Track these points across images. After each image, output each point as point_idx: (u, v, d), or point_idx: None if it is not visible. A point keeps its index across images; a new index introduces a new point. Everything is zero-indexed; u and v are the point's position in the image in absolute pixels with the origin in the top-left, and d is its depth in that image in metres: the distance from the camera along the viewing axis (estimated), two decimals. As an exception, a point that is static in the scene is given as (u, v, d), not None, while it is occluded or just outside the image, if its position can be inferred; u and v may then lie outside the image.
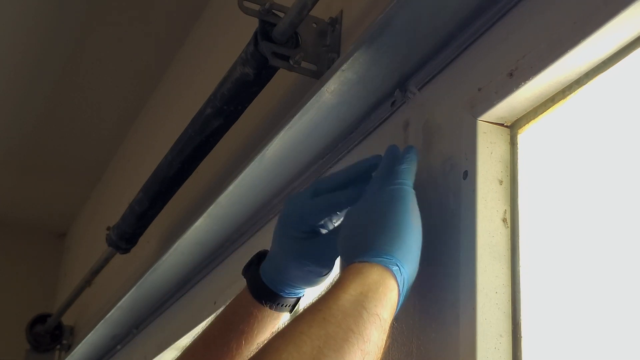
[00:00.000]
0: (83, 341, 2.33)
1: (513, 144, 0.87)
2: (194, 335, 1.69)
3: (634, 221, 0.74)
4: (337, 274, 0.81)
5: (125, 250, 2.03)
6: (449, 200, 0.88)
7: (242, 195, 1.38)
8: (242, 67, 1.29)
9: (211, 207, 1.43)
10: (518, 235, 0.83)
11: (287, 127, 1.14)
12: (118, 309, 1.99)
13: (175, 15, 2.26)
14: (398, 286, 0.77)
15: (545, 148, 0.85)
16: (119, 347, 2.30)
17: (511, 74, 0.82)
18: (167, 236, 1.99)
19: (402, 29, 0.94)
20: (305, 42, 1.25)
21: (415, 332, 0.87)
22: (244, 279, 0.98)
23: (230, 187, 1.34)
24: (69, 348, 3.00)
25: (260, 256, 0.98)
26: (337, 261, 0.93)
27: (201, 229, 1.52)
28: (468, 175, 0.86)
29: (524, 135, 0.87)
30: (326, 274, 0.94)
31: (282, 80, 1.36)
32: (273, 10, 1.24)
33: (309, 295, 0.97)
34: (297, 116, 1.12)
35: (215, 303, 1.55)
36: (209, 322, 0.98)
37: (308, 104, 1.09)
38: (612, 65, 0.75)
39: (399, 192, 0.83)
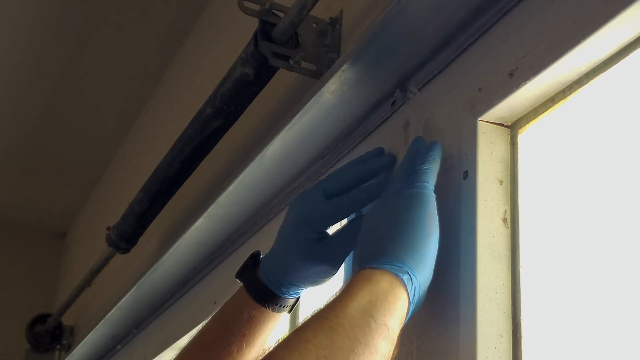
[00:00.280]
0: (83, 341, 2.33)
1: (513, 144, 0.87)
2: (189, 337, 1.70)
3: (634, 221, 0.74)
4: (347, 279, 0.81)
5: (125, 250, 2.03)
6: (449, 200, 0.87)
7: (242, 195, 1.38)
8: (242, 67, 1.29)
9: (211, 207, 1.43)
10: (518, 235, 0.83)
11: (287, 127, 1.14)
12: (118, 309, 1.99)
13: (175, 15, 2.26)
14: (408, 295, 0.76)
15: (545, 148, 0.85)
16: (119, 347, 2.30)
17: (511, 74, 0.82)
18: (167, 236, 1.99)
19: (402, 29, 0.94)
20: (305, 42, 1.25)
21: (415, 332, 0.87)
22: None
23: (230, 187, 1.34)
24: (69, 348, 3.00)
25: (255, 258, 0.97)
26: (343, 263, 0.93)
27: (201, 229, 1.52)
28: (468, 175, 0.86)
29: (524, 135, 0.86)
30: (333, 274, 0.94)
31: (282, 80, 1.36)
32: (273, 10, 1.24)
33: (307, 295, 0.97)
34: (297, 116, 1.12)
35: (215, 303, 1.55)
36: (203, 326, 0.96)
37: (308, 104, 1.09)
38: (612, 66, 0.75)
39: (418, 196, 0.81)
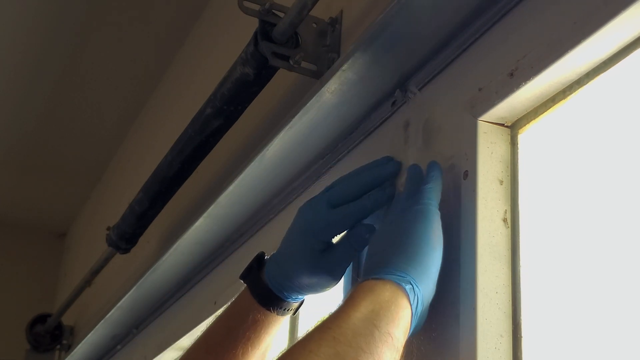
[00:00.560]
0: (83, 341, 2.33)
1: (513, 144, 0.87)
2: (193, 337, 1.70)
3: (634, 221, 0.74)
4: (347, 289, 0.80)
5: (125, 250, 2.03)
6: (449, 200, 0.87)
7: (242, 195, 1.38)
8: (242, 67, 1.29)
9: (211, 207, 1.43)
10: (518, 235, 0.83)
11: (287, 127, 1.14)
12: (118, 309, 1.99)
13: (175, 15, 2.26)
14: (411, 305, 0.76)
15: (545, 148, 0.85)
16: (119, 347, 2.30)
17: (511, 74, 0.82)
18: (167, 236, 1.99)
19: (402, 29, 0.94)
20: (305, 42, 1.25)
21: (415, 332, 0.87)
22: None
23: (230, 187, 1.34)
24: (69, 348, 3.00)
25: (260, 260, 0.97)
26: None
27: (201, 229, 1.52)
28: (468, 175, 0.86)
29: (525, 135, 0.86)
30: (334, 285, 0.93)
31: (282, 80, 1.36)
32: (273, 10, 1.24)
33: (310, 299, 0.97)
34: (297, 116, 1.12)
35: (215, 303, 1.55)
36: (208, 328, 0.96)
37: (308, 104, 1.09)
38: (612, 66, 0.75)
39: (423, 212, 0.82)
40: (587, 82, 0.78)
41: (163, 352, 1.88)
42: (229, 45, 1.77)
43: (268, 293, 0.93)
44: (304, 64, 1.23)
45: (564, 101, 0.81)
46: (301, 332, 1.02)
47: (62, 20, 2.33)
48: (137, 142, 2.72)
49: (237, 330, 0.93)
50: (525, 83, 0.80)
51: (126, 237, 1.96)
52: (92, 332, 2.21)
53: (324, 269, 0.90)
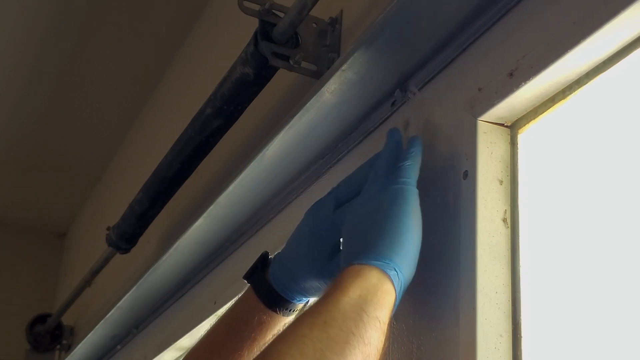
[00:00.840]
0: (83, 341, 2.33)
1: (513, 144, 0.87)
2: (193, 337, 1.70)
3: (634, 221, 0.74)
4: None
5: (125, 250, 2.03)
6: (449, 200, 0.88)
7: (242, 195, 1.38)
8: (242, 67, 1.29)
9: (211, 207, 1.43)
10: (518, 235, 0.83)
11: (287, 127, 1.14)
12: (118, 309, 1.99)
13: (175, 15, 2.26)
14: (395, 290, 0.78)
15: (545, 148, 0.85)
16: (119, 347, 2.30)
17: (511, 74, 0.82)
18: (167, 236, 1.99)
19: (402, 29, 0.94)
20: (305, 42, 1.25)
21: (415, 332, 0.87)
22: (244, 282, 0.97)
23: (230, 187, 1.34)
24: (69, 348, 3.00)
25: (264, 260, 0.97)
26: None
27: (201, 229, 1.52)
28: (468, 175, 0.86)
29: (524, 135, 0.86)
30: None
31: (282, 80, 1.36)
32: (273, 10, 1.24)
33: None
34: (297, 116, 1.12)
35: (215, 303, 1.55)
36: (210, 328, 0.96)
37: (308, 104, 1.09)
38: (612, 66, 0.75)
39: (402, 192, 0.83)
40: (586, 82, 0.78)
41: (163, 352, 1.88)
42: (229, 45, 1.77)
43: (273, 294, 0.93)
44: (304, 64, 1.23)
45: (563, 101, 0.81)
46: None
47: (62, 20, 2.32)
48: (137, 142, 2.72)
49: (241, 331, 0.93)
50: (525, 83, 0.80)
51: (126, 237, 1.96)
52: (92, 332, 2.21)
53: (331, 273, 0.90)
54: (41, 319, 3.06)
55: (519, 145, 0.86)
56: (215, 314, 1.54)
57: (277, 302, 0.93)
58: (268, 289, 0.93)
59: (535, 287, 0.81)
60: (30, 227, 3.60)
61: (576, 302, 0.79)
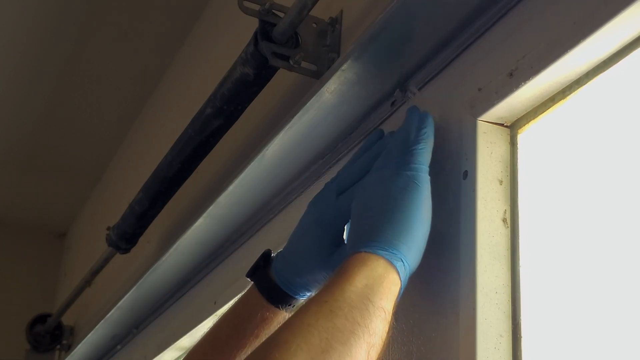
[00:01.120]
0: (83, 341, 2.33)
1: (513, 144, 0.87)
2: (193, 337, 1.70)
3: (634, 221, 0.74)
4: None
5: (125, 250, 2.03)
6: (449, 200, 0.88)
7: (242, 195, 1.38)
8: (242, 67, 1.29)
9: (211, 207, 1.43)
10: (518, 235, 0.83)
11: (287, 127, 1.14)
12: (118, 309, 1.99)
13: (175, 15, 2.26)
14: (401, 280, 0.78)
15: (545, 148, 0.85)
16: (119, 347, 2.30)
17: (511, 74, 0.82)
18: (167, 236, 1.99)
19: (402, 29, 0.94)
20: (305, 42, 1.25)
21: (415, 332, 0.87)
22: (245, 280, 0.97)
23: (230, 187, 1.34)
24: (69, 348, 3.01)
25: (266, 258, 0.96)
26: None
27: (201, 229, 1.52)
28: (468, 175, 0.86)
29: (524, 135, 0.86)
30: None
31: (282, 80, 1.36)
32: (273, 10, 1.24)
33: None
34: (297, 116, 1.12)
35: (215, 303, 1.55)
36: (213, 326, 0.96)
37: (308, 104, 1.09)
38: (612, 65, 0.75)
39: (414, 179, 0.82)
40: (586, 82, 0.78)
41: (163, 352, 1.88)
42: (229, 45, 1.77)
43: (276, 290, 0.93)
44: (304, 64, 1.23)
45: (563, 101, 0.81)
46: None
47: (62, 20, 2.32)
48: (137, 142, 2.72)
49: (245, 328, 0.93)
50: (525, 83, 0.80)
51: (126, 237, 1.96)
52: (92, 332, 2.21)
53: (337, 263, 0.90)
54: (41, 319, 3.06)
55: (518, 145, 0.86)
56: (216, 314, 1.54)
57: (281, 298, 0.93)
58: (271, 286, 0.93)
59: (535, 287, 0.81)
60: (30, 227, 3.60)
61: (576, 302, 0.79)
